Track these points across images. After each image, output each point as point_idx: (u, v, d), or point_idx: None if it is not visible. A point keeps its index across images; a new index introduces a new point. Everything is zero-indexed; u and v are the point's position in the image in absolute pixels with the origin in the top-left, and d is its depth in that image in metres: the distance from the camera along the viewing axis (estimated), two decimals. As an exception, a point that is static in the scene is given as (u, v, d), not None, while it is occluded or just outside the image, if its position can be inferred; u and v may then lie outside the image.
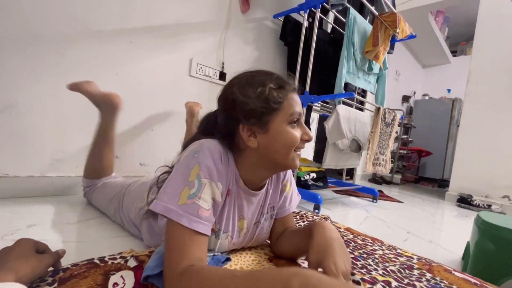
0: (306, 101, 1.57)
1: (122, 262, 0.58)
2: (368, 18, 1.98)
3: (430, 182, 3.89)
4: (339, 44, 1.83)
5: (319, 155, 1.70)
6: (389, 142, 1.94)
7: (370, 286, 0.61)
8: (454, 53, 4.83)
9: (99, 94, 1.03)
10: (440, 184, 3.75)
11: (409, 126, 3.94)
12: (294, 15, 1.97)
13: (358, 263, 0.74)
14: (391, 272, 0.70)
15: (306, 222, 1.07)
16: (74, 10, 1.13)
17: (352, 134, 1.73)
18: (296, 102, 0.59)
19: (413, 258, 0.83)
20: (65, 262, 0.55)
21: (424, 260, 0.81)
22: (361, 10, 1.93)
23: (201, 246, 0.49)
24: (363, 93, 2.71)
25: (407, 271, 0.72)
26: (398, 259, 0.81)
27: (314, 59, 1.61)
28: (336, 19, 2.12)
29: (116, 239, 0.80)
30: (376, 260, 0.78)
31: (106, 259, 0.59)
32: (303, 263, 0.68)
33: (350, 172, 2.88)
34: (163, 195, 0.50)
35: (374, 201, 1.97)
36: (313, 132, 2.42)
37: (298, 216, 1.13)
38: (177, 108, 1.51)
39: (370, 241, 0.95)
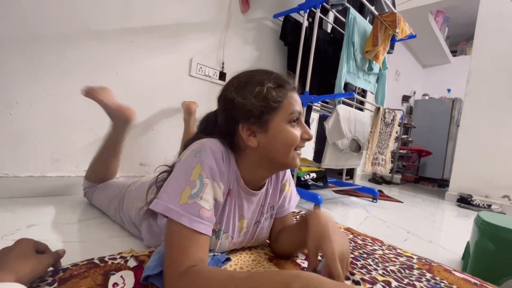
0: (306, 101, 1.57)
1: (122, 262, 0.58)
2: (368, 18, 1.98)
3: (430, 182, 3.89)
4: (339, 44, 1.83)
5: (319, 155, 1.69)
6: (389, 142, 1.94)
7: (370, 286, 0.61)
8: (454, 53, 4.83)
9: (113, 106, 0.99)
10: (440, 184, 3.75)
11: (409, 126, 3.94)
12: (294, 15, 1.97)
13: (358, 263, 0.74)
14: (391, 272, 0.70)
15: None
16: (74, 10, 1.13)
17: (352, 134, 1.73)
18: (296, 101, 0.59)
19: (413, 258, 0.83)
20: (65, 262, 0.55)
21: (424, 260, 0.81)
22: (361, 10, 1.93)
23: (202, 246, 0.48)
24: (363, 93, 2.71)
25: (407, 271, 0.72)
26: (398, 259, 0.81)
27: (314, 59, 1.61)
28: (336, 19, 2.12)
29: (116, 239, 0.80)
30: (376, 260, 0.78)
31: (106, 259, 0.59)
32: (303, 263, 0.68)
33: (350, 172, 2.88)
34: (164, 195, 0.50)
35: (374, 201, 1.97)
36: (313, 132, 2.42)
37: (298, 216, 1.13)
38: (177, 108, 1.51)
39: (370, 241, 0.95)
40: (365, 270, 0.70)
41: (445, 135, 4.09)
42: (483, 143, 2.42)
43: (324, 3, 1.64)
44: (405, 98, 4.41)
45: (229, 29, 1.71)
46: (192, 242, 0.47)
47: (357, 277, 0.64)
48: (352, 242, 0.91)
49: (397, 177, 3.64)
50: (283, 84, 0.58)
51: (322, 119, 2.35)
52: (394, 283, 0.64)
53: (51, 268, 0.52)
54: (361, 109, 2.09)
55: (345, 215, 1.46)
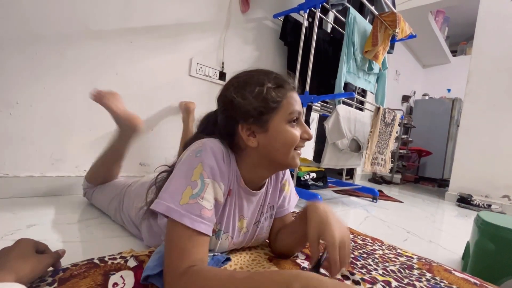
0: (306, 101, 1.57)
1: (122, 262, 0.58)
2: (368, 18, 1.98)
3: (430, 182, 3.89)
4: (339, 44, 1.83)
5: (319, 155, 1.69)
6: (388, 142, 1.94)
7: (370, 286, 0.61)
8: (454, 52, 4.83)
9: (122, 114, 0.97)
10: (440, 184, 3.75)
11: (409, 126, 3.94)
12: (294, 15, 1.97)
13: (358, 263, 0.74)
14: (391, 272, 0.70)
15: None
16: (74, 10, 1.13)
17: (352, 134, 1.73)
18: (295, 101, 0.58)
19: (413, 258, 0.83)
20: (65, 262, 0.55)
21: (424, 260, 0.81)
22: (361, 9, 1.93)
23: (202, 246, 0.48)
24: (363, 93, 2.71)
25: (407, 271, 0.73)
26: (398, 259, 0.81)
27: (314, 59, 1.61)
28: (336, 19, 2.12)
29: (116, 239, 0.80)
30: (376, 260, 0.78)
31: (106, 259, 0.59)
32: (303, 263, 0.68)
33: (350, 172, 2.88)
34: (165, 194, 0.50)
35: (374, 201, 1.97)
36: (313, 132, 2.42)
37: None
38: (177, 108, 1.51)
39: (370, 241, 0.95)
40: (365, 270, 0.70)
41: (445, 135, 4.09)
42: (483, 143, 2.42)
43: (324, 3, 1.64)
44: (405, 98, 4.41)
45: (229, 29, 1.71)
46: (193, 242, 0.47)
47: (357, 277, 0.64)
48: (352, 242, 0.91)
49: (397, 177, 3.64)
50: (283, 84, 0.58)
51: (322, 119, 2.35)
52: (394, 283, 0.64)
53: (51, 268, 0.52)
54: (361, 109, 2.09)
55: (345, 215, 1.46)
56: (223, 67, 1.70)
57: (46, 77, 1.09)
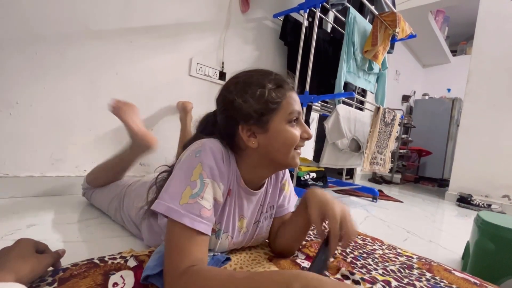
0: (306, 101, 1.57)
1: (122, 262, 0.58)
2: (368, 17, 1.98)
3: (430, 181, 3.89)
4: (339, 44, 1.83)
5: (319, 155, 1.70)
6: (388, 142, 1.94)
7: (370, 285, 0.61)
8: (454, 52, 4.83)
9: (138, 132, 0.95)
10: (440, 184, 3.75)
11: (409, 125, 3.94)
12: (294, 15, 1.97)
13: (358, 262, 0.74)
14: (391, 272, 0.70)
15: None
16: (74, 10, 1.13)
17: (352, 133, 1.73)
18: (295, 101, 0.59)
19: (413, 257, 0.83)
20: (65, 262, 0.55)
21: (424, 260, 0.82)
22: (361, 9, 1.93)
23: (202, 246, 0.49)
24: (363, 92, 2.72)
25: (407, 271, 0.73)
26: (398, 258, 0.81)
27: (314, 59, 1.62)
28: (336, 19, 2.12)
29: (116, 239, 0.80)
30: (376, 260, 0.78)
31: (106, 259, 0.59)
32: (303, 262, 0.68)
33: (350, 172, 2.88)
34: (165, 195, 0.50)
35: (374, 200, 1.97)
36: (313, 132, 2.42)
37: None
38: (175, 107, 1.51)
39: (370, 240, 0.95)
40: (365, 269, 0.70)
41: (445, 135, 4.09)
42: (483, 143, 2.42)
43: (324, 3, 1.64)
44: (405, 98, 4.41)
45: (229, 29, 1.71)
46: (193, 242, 0.47)
47: (357, 276, 0.64)
48: (352, 242, 0.91)
49: (397, 176, 3.64)
50: (282, 84, 0.58)
51: (322, 118, 2.35)
52: (394, 283, 0.64)
53: (51, 268, 0.52)
54: (361, 109, 2.09)
55: (345, 215, 1.45)
56: (223, 67, 1.70)
57: (46, 77, 1.09)
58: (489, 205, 2.20)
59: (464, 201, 2.29)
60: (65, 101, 1.15)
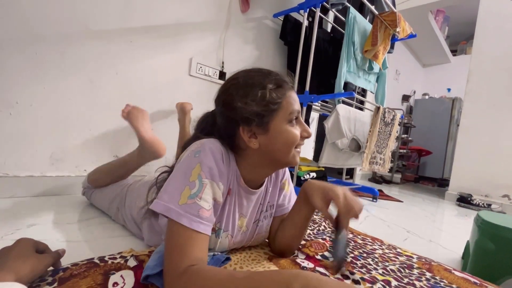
0: (306, 101, 1.57)
1: (122, 262, 0.58)
2: (368, 17, 1.98)
3: (430, 181, 3.89)
4: (339, 44, 1.83)
5: (319, 154, 1.70)
6: (388, 142, 1.94)
7: (370, 285, 0.61)
8: (454, 52, 4.83)
9: (148, 139, 0.95)
10: (440, 184, 3.75)
11: (409, 125, 3.93)
12: (294, 15, 1.97)
13: (358, 262, 0.74)
14: (391, 272, 0.70)
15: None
16: (74, 10, 1.13)
17: (351, 133, 1.73)
18: (294, 100, 0.59)
19: (413, 257, 0.83)
20: (65, 261, 0.55)
21: (424, 260, 0.82)
22: (361, 9, 1.93)
23: (201, 246, 0.49)
24: (363, 92, 2.72)
25: (407, 271, 0.73)
26: (398, 258, 0.81)
27: (314, 59, 1.61)
28: (336, 19, 2.12)
29: (116, 238, 0.80)
30: (376, 260, 0.78)
31: (106, 258, 0.59)
32: (303, 262, 0.68)
33: (350, 172, 2.88)
34: (164, 195, 0.50)
35: (374, 200, 1.97)
36: (313, 132, 2.43)
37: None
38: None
39: (370, 240, 0.95)
40: (365, 269, 0.70)
41: (445, 135, 4.09)
42: (483, 143, 2.42)
43: (324, 3, 1.64)
44: (405, 98, 4.41)
45: (229, 29, 1.71)
46: (192, 242, 0.47)
47: (357, 276, 0.64)
48: (352, 242, 0.91)
49: (397, 176, 3.64)
50: (282, 84, 0.58)
51: (322, 118, 2.35)
52: (394, 283, 0.64)
53: (51, 268, 0.52)
54: (361, 109, 2.09)
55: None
56: (223, 66, 1.70)
57: (46, 77, 1.09)
58: (489, 205, 2.20)
59: (464, 200, 2.29)
60: (65, 101, 1.15)
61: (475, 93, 2.53)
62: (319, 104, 2.25)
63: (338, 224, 0.57)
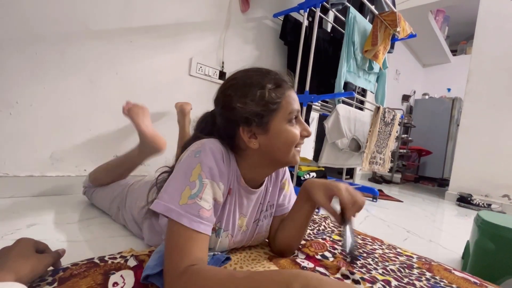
0: (306, 100, 1.57)
1: (122, 262, 0.58)
2: (368, 17, 1.98)
3: (430, 181, 3.89)
4: (339, 44, 1.83)
5: (319, 154, 1.70)
6: (388, 142, 1.94)
7: (370, 285, 0.61)
8: (454, 52, 4.82)
9: (149, 134, 0.96)
10: (440, 183, 3.75)
11: (409, 125, 3.93)
12: (294, 14, 1.97)
13: (357, 262, 0.74)
14: (391, 271, 0.70)
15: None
16: (74, 10, 1.13)
17: (351, 133, 1.73)
18: (293, 100, 0.59)
19: (413, 257, 0.83)
20: (65, 261, 0.55)
21: (424, 259, 0.81)
22: (361, 9, 1.93)
23: (201, 246, 0.49)
24: (363, 92, 2.72)
25: (407, 270, 0.73)
26: (398, 258, 0.81)
27: (314, 59, 1.61)
28: (336, 18, 2.12)
29: (116, 238, 0.80)
30: (376, 259, 0.78)
31: (106, 258, 0.59)
32: (303, 262, 0.68)
33: (350, 172, 2.88)
34: (164, 195, 0.50)
35: (374, 200, 1.97)
36: (313, 132, 2.43)
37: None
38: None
39: (370, 240, 0.95)
40: (365, 269, 0.70)
41: (445, 135, 4.09)
42: (483, 143, 2.42)
43: (324, 2, 1.63)
44: (405, 98, 4.40)
45: (229, 29, 1.71)
46: (192, 242, 0.47)
47: (357, 276, 0.64)
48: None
49: (397, 176, 3.64)
50: (281, 84, 0.58)
51: (322, 118, 2.35)
52: (394, 282, 0.64)
53: (51, 268, 0.52)
54: (361, 109, 2.09)
55: (345, 215, 1.46)
56: (223, 66, 1.70)
57: (46, 77, 1.09)
58: (489, 205, 2.20)
59: (464, 200, 2.29)
60: (65, 101, 1.15)
61: (475, 93, 2.53)
62: (319, 104, 2.25)
63: (343, 217, 0.59)
